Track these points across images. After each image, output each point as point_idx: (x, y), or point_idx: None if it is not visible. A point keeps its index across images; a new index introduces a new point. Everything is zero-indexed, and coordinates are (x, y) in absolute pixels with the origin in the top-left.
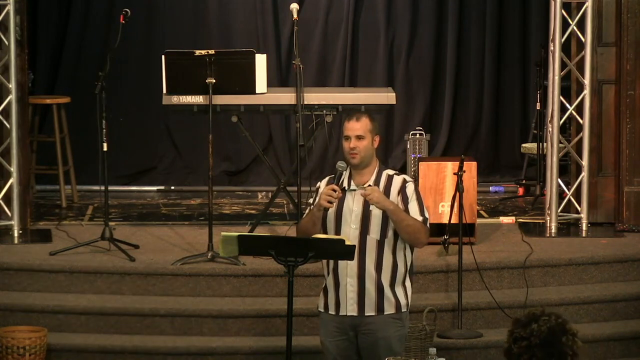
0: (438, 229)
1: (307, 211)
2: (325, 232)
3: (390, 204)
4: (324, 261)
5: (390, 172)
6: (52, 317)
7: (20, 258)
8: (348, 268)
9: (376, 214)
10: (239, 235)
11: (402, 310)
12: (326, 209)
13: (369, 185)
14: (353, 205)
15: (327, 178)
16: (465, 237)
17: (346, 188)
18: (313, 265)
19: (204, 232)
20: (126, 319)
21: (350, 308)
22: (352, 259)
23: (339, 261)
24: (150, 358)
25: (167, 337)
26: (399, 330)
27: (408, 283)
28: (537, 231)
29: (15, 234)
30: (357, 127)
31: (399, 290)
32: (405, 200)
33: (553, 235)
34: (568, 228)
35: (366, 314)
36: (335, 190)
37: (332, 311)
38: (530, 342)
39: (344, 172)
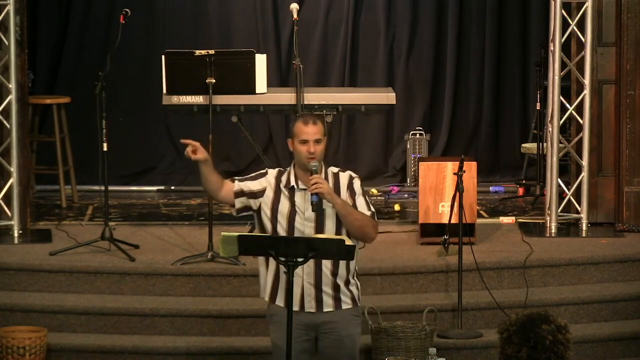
0: (438, 229)
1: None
2: (276, 233)
3: (338, 197)
4: (263, 258)
5: (335, 169)
6: (52, 317)
7: (20, 258)
8: (305, 266)
9: (329, 212)
10: (239, 235)
11: (358, 304)
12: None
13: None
14: (304, 204)
15: (276, 169)
16: (465, 237)
17: (295, 187)
18: None
19: (204, 232)
20: (126, 319)
21: (307, 305)
22: (352, 259)
23: None
24: (150, 358)
25: (167, 337)
26: (359, 326)
27: (357, 279)
28: (537, 231)
29: (15, 234)
30: (315, 131)
31: (352, 285)
32: (353, 194)
33: (553, 235)
34: (568, 228)
35: (325, 310)
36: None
37: (280, 304)
38: (510, 332)
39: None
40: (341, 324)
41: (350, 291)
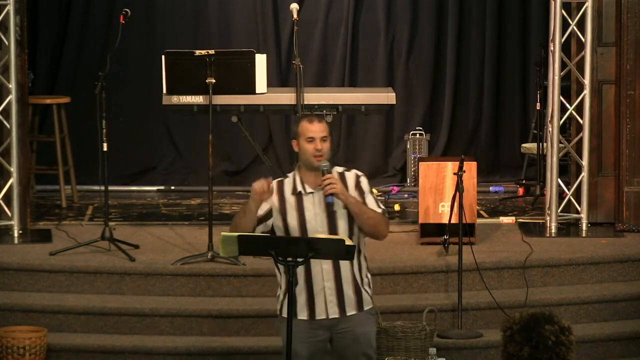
0: (438, 229)
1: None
2: None
3: (351, 196)
4: (282, 268)
5: (339, 169)
6: (52, 317)
7: (20, 258)
8: (324, 272)
9: (341, 213)
10: (239, 235)
11: (372, 303)
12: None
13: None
14: (315, 208)
15: (275, 182)
16: (465, 237)
17: (303, 192)
18: None
19: (204, 232)
20: (126, 319)
21: (331, 311)
22: (352, 259)
23: (312, 267)
24: (150, 358)
25: (167, 337)
26: (374, 325)
27: (368, 276)
28: (537, 231)
29: (15, 234)
30: (321, 128)
31: (366, 284)
32: (362, 193)
33: (553, 235)
34: (568, 228)
35: (348, 314)
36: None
37: (303, 317)
38: (513, 330)
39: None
40: (356, 323)
41: (367, 291)
